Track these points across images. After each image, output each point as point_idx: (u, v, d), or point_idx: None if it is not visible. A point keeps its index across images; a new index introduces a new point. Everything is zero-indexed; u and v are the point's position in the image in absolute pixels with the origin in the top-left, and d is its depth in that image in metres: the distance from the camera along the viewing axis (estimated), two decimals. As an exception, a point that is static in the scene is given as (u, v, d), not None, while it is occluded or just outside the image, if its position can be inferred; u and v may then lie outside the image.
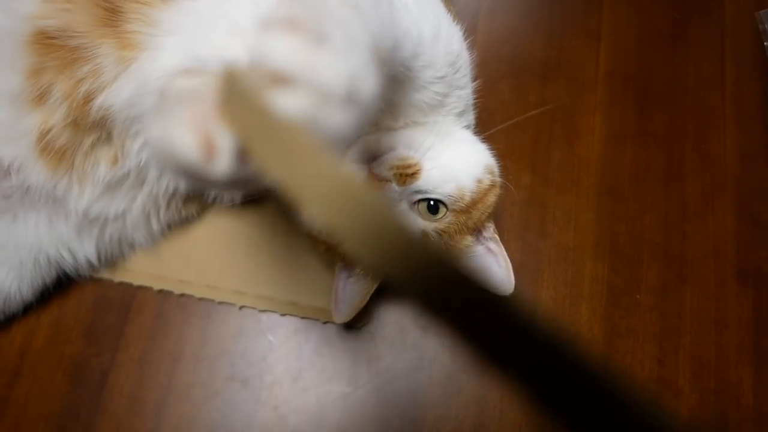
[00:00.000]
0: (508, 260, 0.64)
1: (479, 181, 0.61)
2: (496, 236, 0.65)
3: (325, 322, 0.71)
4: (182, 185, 0.68)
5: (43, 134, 0.59)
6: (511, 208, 0.67)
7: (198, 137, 0.30)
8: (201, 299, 0.73)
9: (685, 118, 0.83)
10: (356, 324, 0.71)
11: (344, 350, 0.70)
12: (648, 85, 0.85)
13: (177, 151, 0.31)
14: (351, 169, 0.24)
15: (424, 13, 0.59)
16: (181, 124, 0.31)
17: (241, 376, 0.69)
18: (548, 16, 0.89)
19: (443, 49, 0.60)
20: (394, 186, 0.58)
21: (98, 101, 0.58)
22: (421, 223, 0.60)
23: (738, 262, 0.76)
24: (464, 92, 0.65)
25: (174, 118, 0.31)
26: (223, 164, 0.30)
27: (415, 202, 0.60)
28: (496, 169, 0.63)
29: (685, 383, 0.70)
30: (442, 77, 0.60)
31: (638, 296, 0.74)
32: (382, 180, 0.57)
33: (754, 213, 0.78)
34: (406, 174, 0.57)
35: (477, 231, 0.64)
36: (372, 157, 0.58)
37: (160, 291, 0.73)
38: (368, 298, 0.67)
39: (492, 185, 0.62)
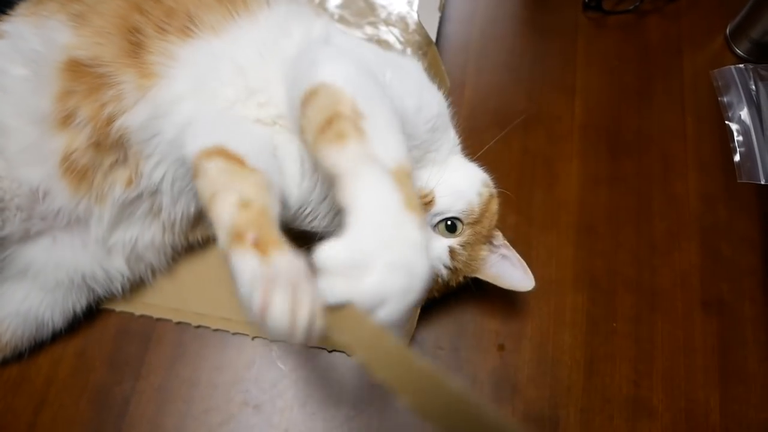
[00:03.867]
0: (522, 260, 0.71)
1: (481, 194, 0.69)
2: (506, 242, 0.72)
3: (331, 351, 0.76)
4: (192, 208, 0.73)
5: (68, 155, 0.63)
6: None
7: None
8: (216, 330, 0.77)
9: (651, 164, 0.90)
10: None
11: (348, 377, 0.75)
12: (618, 134, 0.93)
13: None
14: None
15: (405, 87, 0.65)
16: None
17: (254, 402, 0.73)
18: (528, 74, 0.98)
19: (423, 117, 0.66)
20: None
21: (118, 123, 0.63)
22: (446, 241, 0.67)
23: (702, 293, 0.81)
24: (445, 140, 0.71)
25: None
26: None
27: (435, 225, 0.67)
28: (490, 182, 0.72)
29: (658, 403, 0.75)
30: (421, 142, 0.67)
31: (615, 324, 0.79)
32: None
33: (715, 249, 0.84)
34: (425, 203, 0.65)
35: (489, 241, 0.71)
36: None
37: (179, 323, 0.77)
38: (415, 324, 0.74)
39: (491, 196, 0.71)
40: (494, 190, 0.72)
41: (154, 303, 0.78)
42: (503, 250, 0.72)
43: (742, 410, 0.75)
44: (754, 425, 0.74)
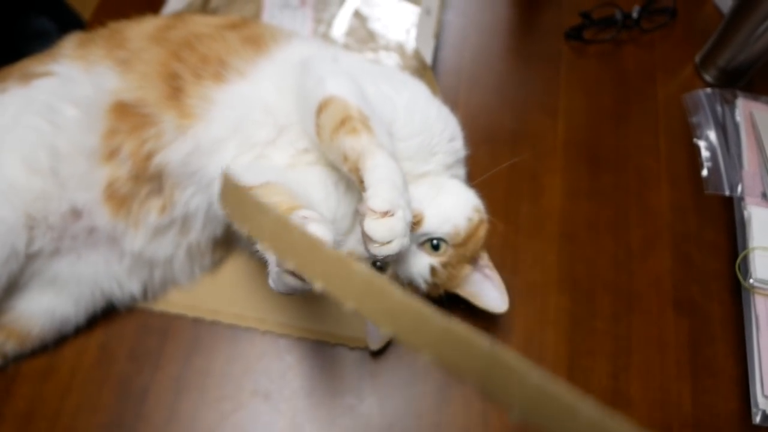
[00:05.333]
0: (502, 282, 0.74)
1: (470, 219, 0.71)
2: (490, 263, 0.76)
3: (335, 344, 0.81)
4: (219, 231, 0.81)
5: (111, 184, 0.71)
6: (489, 251, 0.80)
7: None
8: (229, 325, 0.82)
9: (628, 179, 0.97)
10: (361, 347, 0.82)
11: (351, 368, 0.81)
12: (597, 151, 1.00)
13: None
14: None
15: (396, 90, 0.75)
16: None
17: (263, 391, 0.79)
18: (515, 95, 1.05)
19: (419, 117, 0.74)
20: None
21: (157, 159, 0.70)
22: (428, 259, 0.71)
23: (675, 295, 0.87)
24: (448, 148, 0.77)
25: None
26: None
27: (422, 243, 0.71)
28: (482, 208, 0.74)
29: (635, 394, 0.80)
30: (420, 140, 0.73)
31: (595, 323, 0.85)
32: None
33: (686, 254, 0.91)
34: (413, 223, 0.65)
35: (474, 260, 0.75)
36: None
37: (194, 319, 0.82)
38: None
39: (481, 221, 0.73)
40: (485, 216, 0.75)
41: (172, 300, 0.84)
42: (487, 271, 0.76)
43: (712, 401, 0.81)
44: (722, 414, 0.80)
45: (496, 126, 1.02)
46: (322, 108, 0.64)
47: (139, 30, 0.77)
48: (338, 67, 0.75)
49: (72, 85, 0.73)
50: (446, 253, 0.71)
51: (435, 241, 0.71)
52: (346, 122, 0.61)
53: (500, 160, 0.98)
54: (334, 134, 0.62)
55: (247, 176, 0.68)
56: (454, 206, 0.72)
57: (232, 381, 0.80)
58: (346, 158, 0.60)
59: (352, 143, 0.60)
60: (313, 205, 0.72)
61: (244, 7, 1.06)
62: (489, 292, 0.75)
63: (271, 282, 0.53)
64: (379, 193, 0.55)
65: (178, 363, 0.81)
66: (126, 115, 0.71)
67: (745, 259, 0.86)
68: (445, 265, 0.71)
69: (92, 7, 1.12)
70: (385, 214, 0.54)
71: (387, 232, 0.53)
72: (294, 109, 0.73)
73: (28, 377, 0.78)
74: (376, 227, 0.53)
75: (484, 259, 0.77)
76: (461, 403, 0.80)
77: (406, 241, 0.55)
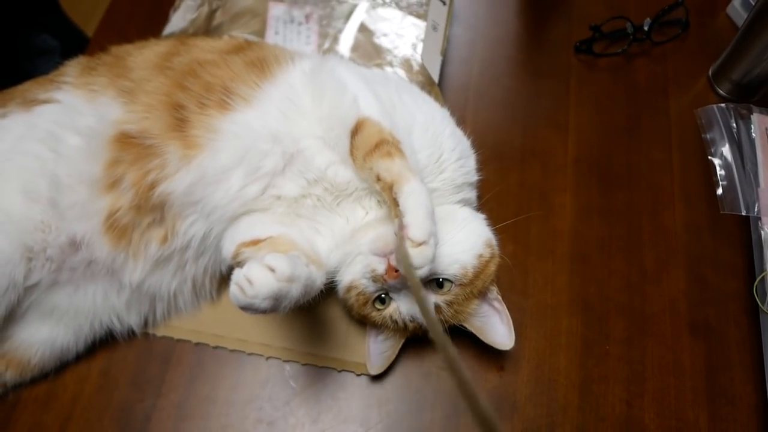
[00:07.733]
0: (510, 318, 0.72)
1: (480, 256, 0.70)
2: (499, 297, 0.74)
3: (340, 371, 0.80)
4: (212, 265, 0.79)
5: (111, 214, 0.69)
6: (497, 273, 0.78)
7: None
8: (233, 351, 0.81)
9: (640, 197, 0.95)
10: (366, 373, 0.80)
11: (357, 395, 0.79)
12: (609, 169, 0.98)
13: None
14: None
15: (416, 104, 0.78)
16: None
17: (268, 419, 0.77)
18: (524, 112, 1.04)
19: (433, 131, 0.75)
20: None
21: (160, 189, 0.68)
22: (432, 297, 0.69)
23: (690, 318, 0.85)
24: (457, 167, 0.77)
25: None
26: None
27: (426, 282, 0.69)
28: (494, 242, 0.73)
29: (650, 422, 0.78)
30: (429, 153, 0.73)
31: (607, 347, 0.83)
32: (398, 270, 0.65)
33: (701, 275, 0.89)
34: None
35: (482, 294, 0.73)
36: (390, 251, 0.67)
37: (197, 344, 0.81)
38: (396, 352, 0.76)
39: (492, 257, 0.71)
40: (497, 251, 0.73)
41: (175, 325, 0.82)
42: (495, 304, 0.74)
43: (730, 429, 0.79)
44: (740, 443, 0.78)
45: (504, 142, 1.01)
46: (357, 129, 0.68)
47: (142, 58, 0.76)
48: (365, 80, 0.75)
49: (74, 114, 0.72)
50: (451, 291, 0.70)
51: (440, 279, 0.70)
52: (381, 146, 0.66)
53: (509, 178, 0.97)
54: (369, 156, 0.66)
55: (255, 232, 0.70)
56: (463, 245, 0.70)
57: (236, 409, 0.78)
58: (379, 178, 0.65)
59: (387, 166, 0.64)
60: (317, 247, 0.72)
61: (248, 23, 1.05)
62: (496, 327, 0.74)
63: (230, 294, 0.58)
64: (418, 222, 0.59)
65: (181, 390, 0.79)
66: (129, 145, 0.69)
67: (763, 281, 0.83)
68: (450, 304, 0.70)
69: (95, 24, 1.11)
70: (422, 243, 0.58)
71: (422, 260, 0.58)
72: (300, 134, 0.72)
73: (29, 405, 0.77)
74: (412, 254, 0.58)
75: (494, 293, 0.75)
76: (470, 431, 0.78)
77: (434, 265, 0.60)
